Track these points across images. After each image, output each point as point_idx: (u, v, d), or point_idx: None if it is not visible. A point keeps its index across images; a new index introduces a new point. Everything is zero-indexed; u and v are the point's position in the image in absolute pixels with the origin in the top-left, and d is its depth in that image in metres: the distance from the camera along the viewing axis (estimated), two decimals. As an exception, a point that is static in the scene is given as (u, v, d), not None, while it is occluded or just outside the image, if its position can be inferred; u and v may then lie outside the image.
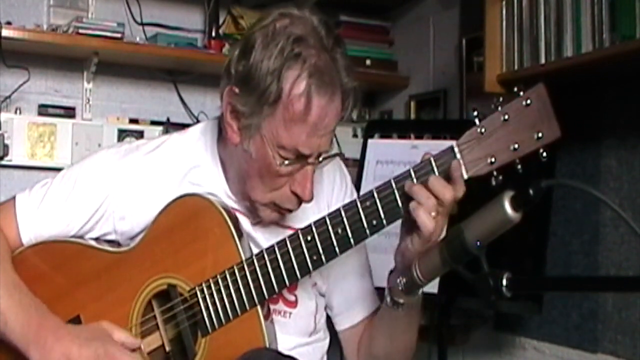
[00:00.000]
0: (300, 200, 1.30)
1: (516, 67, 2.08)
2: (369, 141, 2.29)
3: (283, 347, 1.35)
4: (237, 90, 1.26)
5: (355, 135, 3.00)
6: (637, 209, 1.97)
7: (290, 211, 1.33)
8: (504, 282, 0.99)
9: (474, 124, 1.16)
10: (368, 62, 2.90)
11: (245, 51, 1.26)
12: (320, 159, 1.29)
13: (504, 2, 2.14)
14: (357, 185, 2.20)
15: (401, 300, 1.30)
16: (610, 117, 2.06)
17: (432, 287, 1.63)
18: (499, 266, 1.01)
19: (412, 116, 2.87)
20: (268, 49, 1.23)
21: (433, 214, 1.17)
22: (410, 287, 1.20)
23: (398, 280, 1.21)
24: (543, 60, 2.00)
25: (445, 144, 1.18)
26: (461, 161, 1.17)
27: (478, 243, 1.05)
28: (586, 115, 2.09)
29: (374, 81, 2.90)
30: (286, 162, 1.25)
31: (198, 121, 2.71)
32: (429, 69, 2.83)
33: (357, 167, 2.29)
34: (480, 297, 1.02)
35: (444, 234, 1.20)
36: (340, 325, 1.49)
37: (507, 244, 1.24)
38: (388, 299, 1.32)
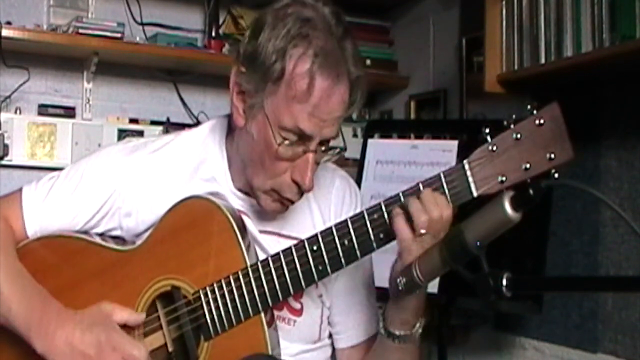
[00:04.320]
0: (300, 191, 1.29)
1: (516, 67, 2.08)
2: (369, 141, 2.29)
3: (286, 353, 1.34)
4: (243, 69, 1.28)
5: (355, 135, 3.00)
6: (637, 209, 1.97)
7: (292, 202, 1.32)
8: (504, 282, 0.99)
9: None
10: (368, 62, 2.89)
11: (255, 31, 1.27)
12: (323, 148, 1.28)
13: (504, 2, 2.14)
14: (357, 185, 2.20)
15: (397, 332, 1.29)
16: (610, 117, 2.06)
17: (432, 287, 1.63)
18: (499, 266, 1.01)
19: (412, 116, 2.87)
20: (276, 29, 1.24)
21: (423, 230, 1.16)
22: (410, 287, 1.20)
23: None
24: (543, 60, 2.00)
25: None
26: (471, 178, 1.16)
27: (478, 243, 1.04)
28: (586, 115, 2.09)
29: (374, 81, 2.88)
30: (286, 142, 1.24)
31: (198, 121, 2.72)
32: (429, 69, 2.83)
33: (357, 167, 2.29)
34: (480, 297, 1.02)
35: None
36: (338, 344, 1.47)
37: (507, 244, 1.23)
38: (382, 329, 1.31)
